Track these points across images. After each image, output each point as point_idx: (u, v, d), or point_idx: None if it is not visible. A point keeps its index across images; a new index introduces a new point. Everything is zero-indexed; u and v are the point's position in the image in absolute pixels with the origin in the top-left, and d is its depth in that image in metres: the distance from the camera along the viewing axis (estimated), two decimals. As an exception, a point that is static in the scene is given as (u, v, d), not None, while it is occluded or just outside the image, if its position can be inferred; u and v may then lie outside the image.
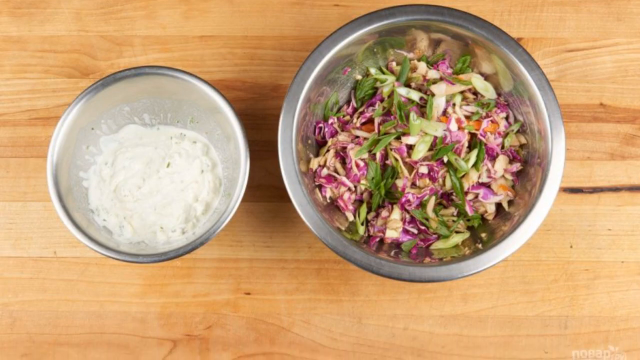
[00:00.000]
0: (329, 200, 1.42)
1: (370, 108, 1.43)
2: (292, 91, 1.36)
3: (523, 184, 1.39)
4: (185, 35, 1.57)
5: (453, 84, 1.40)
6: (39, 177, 1.52)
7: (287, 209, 1.50)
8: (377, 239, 1.40)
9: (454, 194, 1.40)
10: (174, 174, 1.44)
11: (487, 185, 1.40)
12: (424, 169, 1.38)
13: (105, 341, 1.47)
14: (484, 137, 1.39)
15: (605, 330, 1.46)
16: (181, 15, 1.57)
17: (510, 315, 1.46)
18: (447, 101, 1.40)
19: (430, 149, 1.38)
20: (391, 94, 1.42)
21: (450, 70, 1.45)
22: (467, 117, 1.40)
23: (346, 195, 1.41)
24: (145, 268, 1.49)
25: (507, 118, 1.42)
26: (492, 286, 1.47)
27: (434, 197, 1.39)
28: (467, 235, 1.40)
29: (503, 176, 1.40)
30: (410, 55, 1.46)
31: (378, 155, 1.39)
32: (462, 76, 1.42)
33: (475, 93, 1.43)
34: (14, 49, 1.56)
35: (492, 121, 1.40)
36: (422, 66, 1.44)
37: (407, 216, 1.40)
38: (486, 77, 1.43)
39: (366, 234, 1.42)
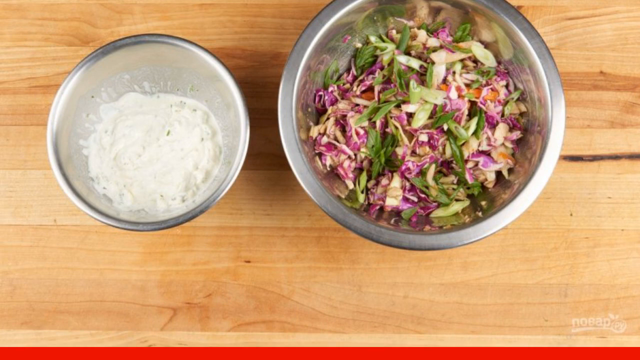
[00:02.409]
0: (329, 168, 1.42)
1: (370, 76, 1.43)
2: (292, 59, 1.36)
3: (523, 152, 1.39)
4: (185, 3, 1.56)
5: (453, 52, 1.40)
6: (39, 145, 1.52)
7: (287, 177, 1.50)
8: (377, 207, 1.40)
9: (454, 162, 1.39)
10: (174, 142, 1.44)
11: (487, 153, 1.40)
12: (424, 137, 1.38)
13: (105, 309, 1.47)
14: (484, 105, 1.39)
15: (605, 298, 1.46)
16: (181, -17, 1.57)
17: (510, 283, 1.47)
18: (447, 69, 1.40)
19: (430, 117, 1.38)
20: (391, 62, 1.42)
21: (450, 38, 1.44)
22: (467, 85, 1.40)
23: (346, 163, 1.41)
24: (145, 236, 1.49)
25: (507, 86, 1.42)
26: (492, 254, 1.47)
27: (434, 165, 1.39)
28: (467, 203, 1.40)
29: (503, 144, 1.40)
30: (410, 23, 1.45)
31: (378, 123, 1.39)
32: (462, 44, 1.42)
33: (475, 61, 1.43)
34: (13, 16, 1.56)
35: (492, 89, 1.39)
36: (422, 34, 1.44)
37: (407, 184, 1.40)
38: (486, 45, 1.43)
39: (366, 202, 1.42)
